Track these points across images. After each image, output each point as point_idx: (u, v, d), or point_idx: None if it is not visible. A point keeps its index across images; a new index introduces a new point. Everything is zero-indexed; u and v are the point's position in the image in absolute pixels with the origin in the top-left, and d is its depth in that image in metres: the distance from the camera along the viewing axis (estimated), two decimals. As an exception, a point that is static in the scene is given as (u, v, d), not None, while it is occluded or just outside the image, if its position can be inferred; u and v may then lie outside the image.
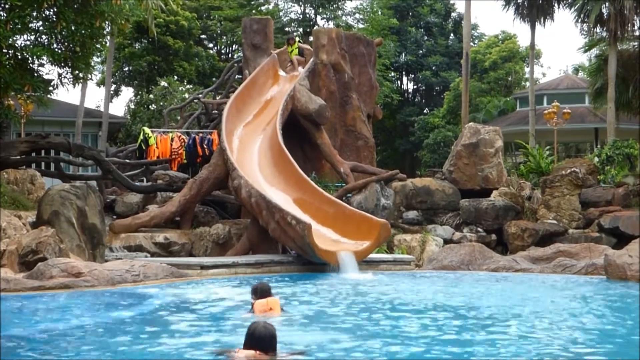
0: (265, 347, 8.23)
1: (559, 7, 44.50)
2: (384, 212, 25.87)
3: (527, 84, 53.54)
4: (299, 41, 31.75)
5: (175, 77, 49.57)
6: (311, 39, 34.20)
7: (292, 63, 30.53)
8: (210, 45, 60.85)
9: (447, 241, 26.19)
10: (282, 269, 20.94)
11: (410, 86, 66.46)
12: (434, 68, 60.94)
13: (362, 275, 19.66)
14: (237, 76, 35.48)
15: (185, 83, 50.42)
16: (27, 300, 14.08)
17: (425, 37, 62.72)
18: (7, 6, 20.34)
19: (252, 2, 57.21)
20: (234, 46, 60.12)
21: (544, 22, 44.36)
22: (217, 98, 35.31)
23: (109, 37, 31.25)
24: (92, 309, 13.13)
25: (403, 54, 61.68)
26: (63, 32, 20.92)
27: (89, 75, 25.83)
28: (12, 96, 24.34)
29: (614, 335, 10.91)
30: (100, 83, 53.27)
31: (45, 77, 22.29)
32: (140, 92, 48.94)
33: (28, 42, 21.58)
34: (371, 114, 32.98)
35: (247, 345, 8.30)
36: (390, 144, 60.55)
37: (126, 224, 23.79)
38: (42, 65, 21.79)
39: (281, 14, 57.95)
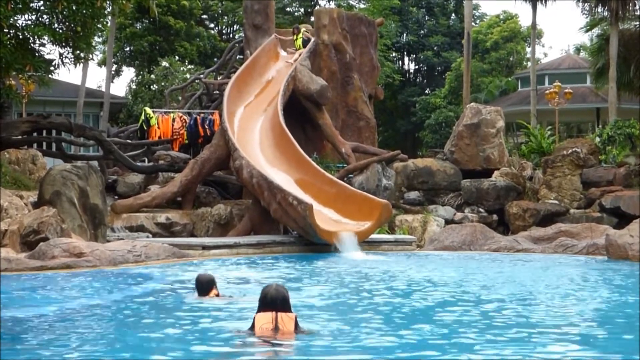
0: (278, 308, 8.37)
1: (560, -13, 44.40)
2: (385, 193, 25.89)
3: (529, 64, 53.44)
4: (305, 31, 31.39)
5: (177, 58, 49.43)
6: (312, 19, 34.13)
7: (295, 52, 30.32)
8: (212, 25, 60.69)
9: (448, 221, 26.21)
10: (284, 250, 20.99)
11: (412, 66, 66.45)
12: (435, 48, 60.82)
13: (363, 256, 19.72)
14: (238, 56, 35.43)
15: (186, 63, 50.28)
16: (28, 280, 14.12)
17: (427, 17, 62.58)
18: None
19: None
20: (235, 26, 59.98)
21: (546, 2, 44.18)
22: (219, 78, 35.27)
23: (110, 17, 31.23)
24: (91, 290, 13.13)
25: (404, 34, 61.55)
26: (64, 12, 20.87)
27: (90, 55, 25.84)
28: (14, 76, 24.33)
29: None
30: (102, 63, 53.16)
31: (47, 57, 22.31)
32: (141, 73, 48.85)
33: (29, 22, 21.53)
34: (372, 94, 32.97)
35: (261, 309, 8.42)
36: (391, 124, 60.51)
37: (128, 204, 23.83)
38: (43, 45, 21.78)
39: (282, -7, 57.79)
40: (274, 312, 8.32)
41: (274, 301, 8.38)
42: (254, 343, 8.18)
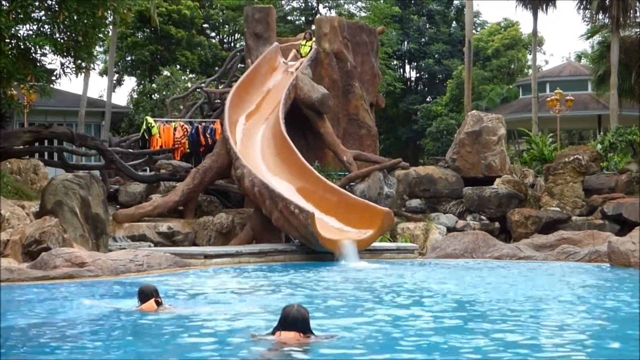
0: (298, 329, 8.42)
1: (561, -6, 44.43)
2: (387, 201, 25.89)
3: (530, 71, 53.48)
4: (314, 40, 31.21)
5: (178, 67, 49.52)
6: (314, 27, 34.14)
7: (295, 56, 30.17)
8: (213, 34, 60.81)
9: (450, 229, 26.18)
10: (286, 258, 20.98)
11: (413, 74, 66.57)
12: (436, 56, 60.91)
13: (365, 264, 19.71)
14: (239, 65, 35.45)
15: (187, 72, 50.38)
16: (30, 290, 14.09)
17: (428, 25, 62.69)
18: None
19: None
20: (236, 35, 60.09)
21: (547, 9, 44.32)
22: (220, 87, 35.28)
23: (111, 27, 31.28)
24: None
25: (405, 42, 61.65)
26: (65, 22, 20.91)
27: (92, 65, 25.82)
28: (15, 86, 24.35)
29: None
30: (103, 73, 53.28)
31: (48, 66, 22.29)
32: (142, 82, 48.92)
33: (30, 32, 21.58)
34: (374, 102, 32.98)
35: (281, 327, 8.45)
36: (393, 132, 60.58)
37: (129, 213, 23.81)
38: (44, 54, 21.81)
39: (283, 2, 57.86)
40: (297, 333, 8.39)
41: (295, 322, 8.43)
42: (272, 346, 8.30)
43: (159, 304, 11.31)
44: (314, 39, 30.85)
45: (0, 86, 21.25)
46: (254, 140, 25.53)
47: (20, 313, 11.45)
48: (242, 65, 33.78)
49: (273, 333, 8.51)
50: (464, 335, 9.54)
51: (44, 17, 21.62)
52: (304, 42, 30.45)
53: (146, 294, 11.41)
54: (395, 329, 10.12)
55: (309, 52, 29.97)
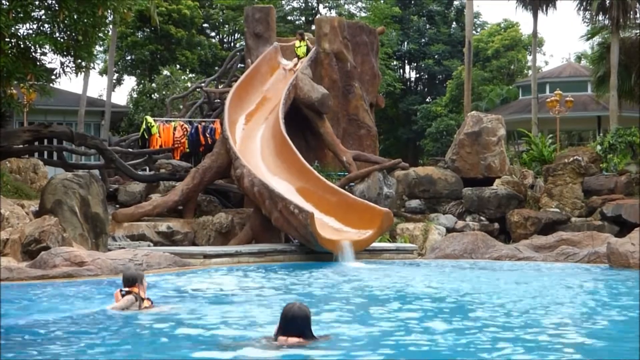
0: (299, 327, 8.35)
1: (561, -5, 44.44)
2: (386, 201, 25.87)
3: (530, 72, 53.46)
4: (307, 39, 31.18)
5: (178, 66, 49.52)
6: (313, 27, 34.13)
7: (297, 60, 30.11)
8: (213, 34, 60.81)
9: (449, 230, 26.18)
10: (285, 258, 20.96)
11: (413, 75, 66.57)
12: (436, 56, 60.89)
13: (364, 264, 19.70)
14: (239, 65, 35.45)
15: (187, 72, 50.39)
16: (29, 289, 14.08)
17: (428, 26, 62.67)
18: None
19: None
20: (236, 35, 60.10)
21: (547, 10, 44.30)
22: (220, 87, 35.28)
23: (111, 26, 31.26)
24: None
25: (405, 43, 61.65)
26: (65, 21, 20.90)
27: (92, 64, 25.80)
28: (15, 85, 24.35)
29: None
30: (103, 72, 53.28)
31: (48, 66, 22.29)
32: (142, 81, 48.92)
33: (30, 31, 21.57)
34: (374, 102, 32.97)
35: (282, 325, 8.39)
36: (392, 132, 60.55)
37: (129, 213, 23.79)
38: (44, 54, 21.81)
39: (283, 2, 57.80)
40: (299, 339, 8.36)
41: (295, 320, 8.35)
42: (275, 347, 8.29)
43: (124, 294, 11.15)
44: (306, 38, 30.78)
45: (0, 85, 21.23)
46: (254, 140, 25.52)
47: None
48: (242, 65, 33.79)
49: (276, 334, 8.46)
50: (461, 335, 9.55)
51: (43, 16, 21.61)
52: (298, 43, 30.41)
53: (126, 279, 11.31)
54: (393, 329, 10.12)
55: (305, 52, 29.92)
